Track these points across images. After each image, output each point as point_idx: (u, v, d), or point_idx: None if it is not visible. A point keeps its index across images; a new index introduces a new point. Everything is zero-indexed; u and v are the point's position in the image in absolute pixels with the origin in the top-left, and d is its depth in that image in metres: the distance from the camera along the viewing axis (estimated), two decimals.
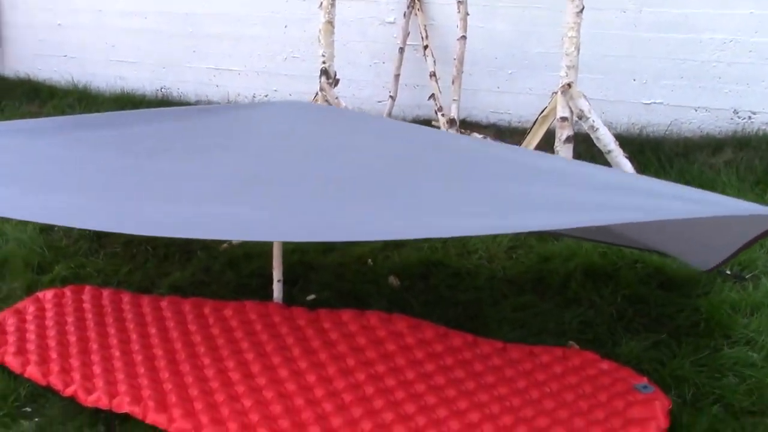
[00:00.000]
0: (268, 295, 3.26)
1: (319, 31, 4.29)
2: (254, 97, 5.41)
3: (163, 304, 3.24)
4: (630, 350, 2.72)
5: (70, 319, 3.16)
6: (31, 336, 3.04)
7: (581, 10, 3.65)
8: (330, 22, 4.30)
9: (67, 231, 4.00)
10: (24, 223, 4.06)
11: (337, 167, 2.41)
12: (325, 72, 4.35)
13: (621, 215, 1.93)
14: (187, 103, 5.59)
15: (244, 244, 3.81)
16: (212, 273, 3.59)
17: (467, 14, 4.19)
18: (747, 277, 3.08)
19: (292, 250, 3.65)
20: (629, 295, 3.04)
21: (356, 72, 4.71)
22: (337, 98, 4.26)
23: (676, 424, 2.28)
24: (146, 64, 5.74)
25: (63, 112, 5.61)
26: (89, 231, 3.96)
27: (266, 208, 2.08)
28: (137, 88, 5.80)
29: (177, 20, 5.43)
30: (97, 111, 5.57)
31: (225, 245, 3.86)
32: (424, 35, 4.57)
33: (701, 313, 2.85)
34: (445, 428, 2.38)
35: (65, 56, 6.07)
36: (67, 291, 3.37)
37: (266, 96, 5.36)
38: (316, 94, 4.37)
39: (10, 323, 3.14)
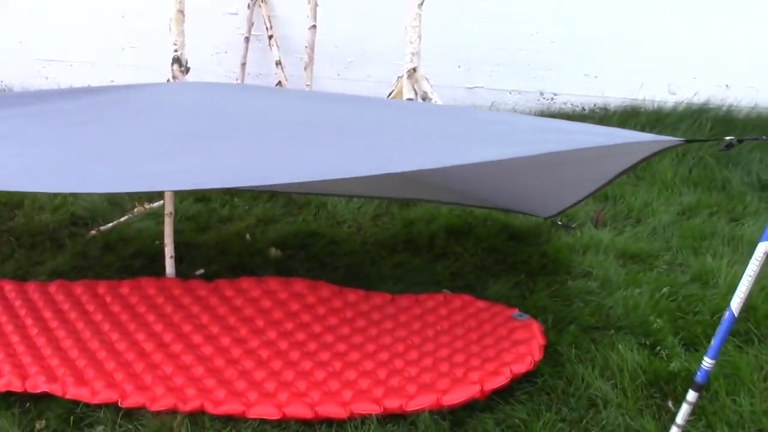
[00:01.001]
0: (155, 273, 3.32)
1: (170, 19, 4.30)
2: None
3: (51, 289, 3.19)
4: (496, 291, 3.15)
5: None
6: None
7: (422, 3, 4.04)
8: (181, 11, 4.32)
9: None
10: None
11: (276, 122, 2.54)
12: (177, 60, 4.36)
13: (553, 146, 2.15)
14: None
15: (117, 229, 3.79)
16: (90, 258, 3.56)
17: (317, 5, 4.43)
18: (573, 226, 3.64)
19: None
20: (487, 248, 3.49)
21: (199, 61, 4.76)
22: None
23: (547, 343, 2.72)
24: None
25: None
26: None
27: (228, 158, 2.17)
28: None
29: (3, 9, 5.13)
30: None
31: (93, 232, 3.81)
32: (268, 26, 4.75)
33: (548, 257, 3.36)
34: (361, 368, 2.65)
35: None
36: None
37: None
38: (168, 81, 4.40)
39: None
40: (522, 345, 2.65)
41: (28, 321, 2.96)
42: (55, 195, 4.02)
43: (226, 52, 4.99)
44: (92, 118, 2.80)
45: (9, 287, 3.20)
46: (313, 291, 3.10)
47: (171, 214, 3.29)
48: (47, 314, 3.01)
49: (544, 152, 2.11)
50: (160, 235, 3.67)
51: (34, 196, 4.00)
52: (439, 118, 2.63)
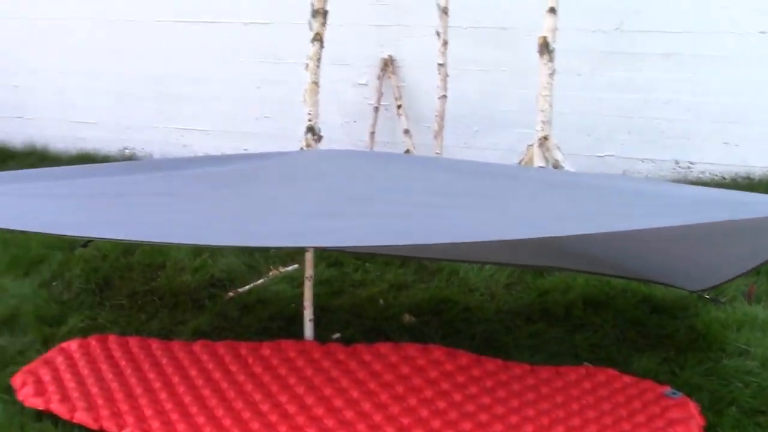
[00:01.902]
0: (293, 336, 3.40)
1: (305, 90, 4.51)
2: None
3: (196, 348, 3.31)
4: (642, 367, 3.04)
5: (104, 366, 3.18)
6: (70, 384, 3.05)
7: (553, 73, 4.08)
8: (315, 83, 4.53)
9: (67, 285, 4.00)
10: (23, 278, 4.02)
11: (424, 187, 2.61)
12: (311, 129, 4.56)
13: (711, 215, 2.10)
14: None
15: (254, 291, 3.92)
16: (230, 319, 3.69)
17: (447, 75, 4.55)
18: (723, 300, 3.49)
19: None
20: (628, 320, 3.39)
21: (329, 130, 4.94)
22: None
23: (706, 424, 2.59)
24: (107, 125, 5.76)
25: None
26: (90, 285, 3.97)
27: (385, 219, 2.24)
28: (98, 149, 5.80)
29: (143, 82, 5.52)
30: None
31: (231, 293, 3.96)
32: (397, 95, 4.90)
33: (697, 331, 3.22)
34: None
35: (20, 118, 6.00)
36: (92, 340, 3.39)
37: None
38: (301, 149, 4.58)
39: (44, 373, 3.13)
40: (679, 425, 2.54)
41: (175, 379, 3.08)
42: (196, 256, 4.21)
43: (355, 121, 5.16)
44: (246, 180, 2.95)
45: (156, 345, 3.35)
46: (451, 359, 3.09)
47: (311, 277, 3.38)
48: (193, 372, 3.12)
49: (712, 221, 2.05)
50: (296, 298, 3.78)
51: (176, 258, 4.20)
52: (593, 185, 2.62)
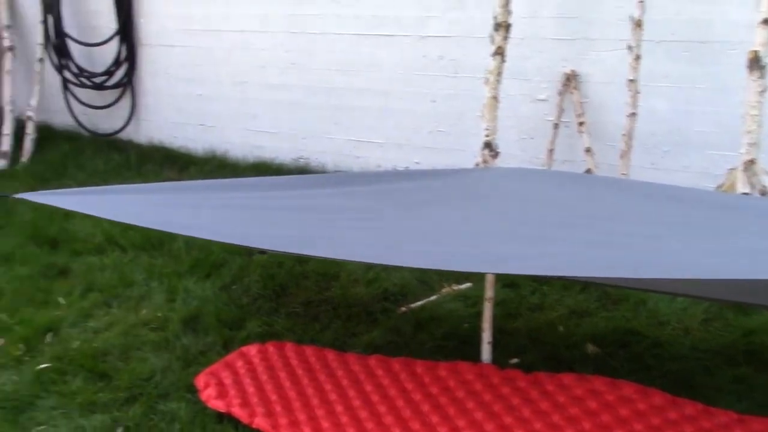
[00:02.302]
0: (467, 357, 3.31)
1: (483, 105, 4.42)
2: (394, 168, 5.56)
3: (371, 362, 3.29)
4: None
5: (282, 374, 3.22)
6: (250, 388, 3.11)
7: (764, 90, 3.74)
8: (494, 98, 4.43)
9: (246, 289, 4.11)
10: (205, 281, 4.18)
11: (628, 216, 2.46)
12: (488, 145, 4.46)
13: None
14: (326, 173, 5.76)
15: (427, 307, 3.87)
16: (403, 334, 3.65)
17: (638, 92, 4.31)
18: None
19: (478, 314, 3.70)
20: None
21: (505, 146, 4.82)
22: None
23: None
24: (285, 134, 5.95)
25: (205, 179, 5.79)
26: (267, 291, 4.06)
27: (590, 248, 2.11)
28: (274, 157, 5.99)
29: (321, 93, 5.65)
30: (236, 178, 5.75)
31: (404, 309, 3.92)
32: (579, 112, 4.70)
33: None
34: None
35: (203, 125, 6.33)
36: (270, 346, 3.45)
37: (406, 167, 5.50)
38: (476, 164, 4.49)
39: (225, 375, 3.21)
40: None
41: (351, 392, 3.07)
42: (369, 269, 4.22)
43: (532, 138, 5.01)
44: (432, 199, 2.90)
45: (331, 356, 3.36)
46: (644, 397, 2.87)
47: (491, 299, 3.27)
48: (368, 387, 3.09)
49: None
50: (471, 318, 3.69)
51: (350, 270, 4.23)
52: None
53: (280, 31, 5.70)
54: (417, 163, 5.49)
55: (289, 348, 3.44)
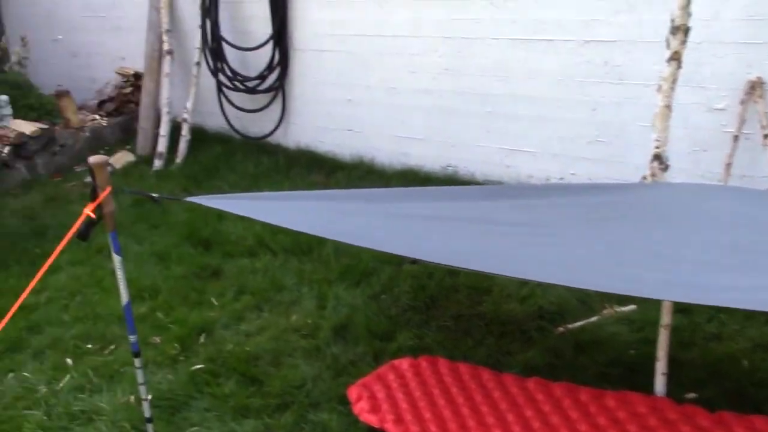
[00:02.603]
0: (636, 387, 3.07)
1: (655, 115, 4.14)
2: (548, 179, 5.36)
3: (530, 385, 3.13)
4: None
5: (435, 391, 3.12)
6: (403, 404, 3.03)
7: None
8: (668, 107, 4.14)
9: (395, 300, 4.04)
10: (355, 288, 4.15)
11: None
12: (658, 157, 4.18)
13: None
14: (474, 183, 5.62)
15: (587, 329, 3.66)
16: (562, 356, 3.46)
17: None
18: None
19: (645, 340, 3.45)
20: None
21: (674, 159, 4.51)
22: None
23: None
24: (434, 142, 5.86)
25: (352, 184, 5.81)
26: (417, 302, 3.98)
27: None
28: (421, 165, 5.92)
29: (473, 100, 5.52)
30: (386, 185, 5.72)
31: (561, 329, 3.73)
32: (764, 123, 4.33)
33: None
34: None
35: (350, 130, 6.35)
36: (423, 361, 3.36)
37: (561, 179, 5.28)
38: (643, 178, 4.22)
39: (378, 389, 3.15)
40: None
41: (510, 417, 2.93)
42: (523, 285, 4.05)
43: (705, 150, 4.66)
44: (609, 216, 2.71)
45: (487, 376, 3.22)
46: None
47: (667, 326, 3.03)
48: (528, 413, 2.94)
49: None
50: (637, 344, 3.46)
51: (502, 284, 4.08)
52: None
53: (434, 35, 5.61)
54: (572, 174, 5.25)
55: (442, 364, 3.33)
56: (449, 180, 5.72)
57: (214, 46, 6.62)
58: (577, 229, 2.54)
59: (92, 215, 2.28)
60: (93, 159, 2.30)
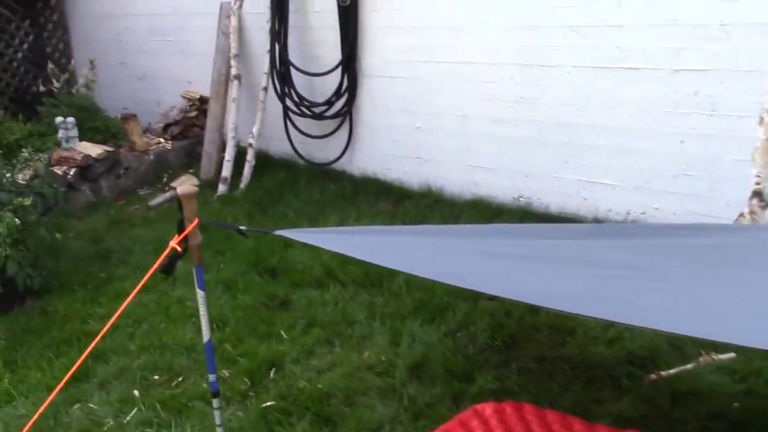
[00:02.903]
0: None
1: (755, 149, 3.93)
2: (628, 213, 5.14)
3: None
4: None
5: None
6: None
7: None
8: None
9: (472, 338, 3.87)
10: (429, 324, 3.99)
11: None
12: (758, 194, 3.97)
13: None
14: (549, 216, 5.43)
15: (682, 377, 3.43)
16: (657, 407, 3.24)
17: None
18: None
19: (750, 392, 3.22)
20: None
21: None
22: None
23: None
24: (505, 172, 5.70)
25: (420, 213, 5.68)
26: (495, 342, 3.81)
27: None
28: (493, 195, 5.76)
29: (550, 129, 5.36)
30: (456, 215, 5.58)
31: (653, 376, 3.51)
32: None
33: None
34: None
35: (419, 158, 6.23)
36: (507, 407, 3.16)
37: (643, 214, 5.06)
38: (740, 215, 3.99)
39: None
40: None
41: None
42: (609, 327, 3.85)
43: None
44: (728, 259, 2.51)
45: (578, 427, 3.01)
46: None
47: None
48: None
49: None
50: (739, 397, 3.22)
51: (586, 326, 3.88)
52: None
53: (510, 62, 5.47)
54: (656, 208, 5.03)
55: (528, 410, 3.13)
56: (522, 211, 5.55)
57: (282, 71, 6.60)
58: (695, 274, 2.36)
59: (178, 248, 2.18)
60: (181, 189, 2.21)
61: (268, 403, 3.41)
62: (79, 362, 2.58)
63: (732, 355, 3.56)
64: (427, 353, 3.72)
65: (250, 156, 6.74)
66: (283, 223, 5.65)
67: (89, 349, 2.45)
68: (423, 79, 6.06)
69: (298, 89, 6.64)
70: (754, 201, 4.00)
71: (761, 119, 3.92)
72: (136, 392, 3.63)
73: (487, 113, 5.71)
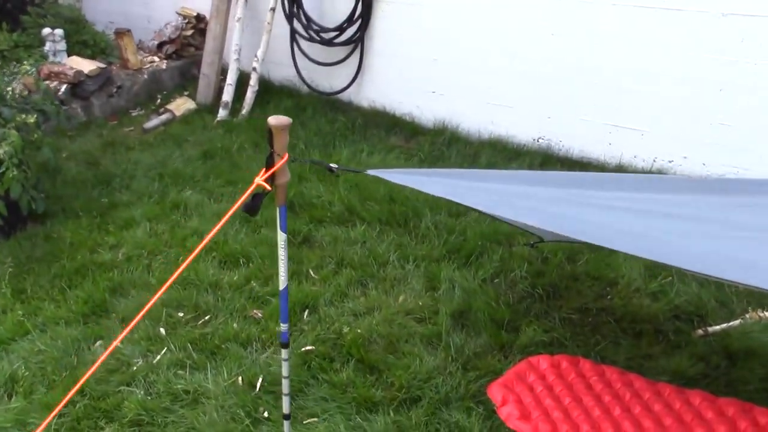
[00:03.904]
0: None
1: None
2: (654, 161, 5.01)
3: (696, 401, 2.81)
4: None
5: (586, 398, 2.83)
6: (554, 412, 2.76)
7: None
8: None
9: (511, 285, 3.74)
10: (464, 270, 3.84)
11: None
12: None
13: None
14: (570, 159, 5.27)
15: (731, 335, 3.35)
16: (713, 366, 3.16)
17: None
18: None
19: None
20: None
21: None
22: None
23: None
24: (526, 112, 5.51)
25: (438, 150, 5.48)
26: (536, 290, 3.69)
27: None
28: (511, 135, 5.57)
29: (580, 69, 5.15)
30: (474, 155, 5.40)
31: (700, 331, 3.43)
32: None
33: None
34: None
35: (433, 92, 5.98)
36: (563, 361, 3.06)
37: (670, 162, 4.93)
38: None
39: (521, 390, 2.88)
40: None
41: None
42: (652, 279, 3.75)
43: None
44: None
45: (639, 384, 2.92)
46: None
47: None
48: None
49: None
50: None
51: (628, 276, 3.78)
52: None
53: None
54: (685, 157, 4.91)
55: (585, 366, 3.03)
56: (542, 153, 5.39)
57: None
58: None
59: (266, 186, 1.96)
60: (274, 120, 1.99)
61: (308, 347, 3.25)
62: None
63: None
64: (468, 300, 3.58)
65: (253, 81, 6.41)
66: (294, 154, 5.38)
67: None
68: (443, 8, 5.76)
69: (308, 11, 6.29)
70: None
71: None
72: (162, 330, 3.43)
73: (511, 48, 5.46)
